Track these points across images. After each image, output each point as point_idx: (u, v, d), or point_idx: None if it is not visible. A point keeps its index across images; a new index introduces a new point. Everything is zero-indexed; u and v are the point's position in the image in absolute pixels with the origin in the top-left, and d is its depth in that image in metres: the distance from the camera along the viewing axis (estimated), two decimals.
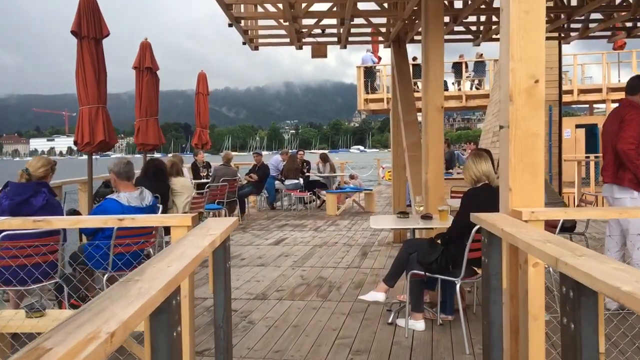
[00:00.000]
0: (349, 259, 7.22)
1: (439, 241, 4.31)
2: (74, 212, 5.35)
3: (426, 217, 4.73)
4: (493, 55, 20.54)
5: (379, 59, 22.00)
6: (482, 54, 21.32)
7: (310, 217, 11.62)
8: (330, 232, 9.44)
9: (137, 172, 6.73)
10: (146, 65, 8.30)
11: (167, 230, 7.02)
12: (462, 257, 3.98)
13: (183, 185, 7.32)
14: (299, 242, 8.55)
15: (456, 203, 6.39)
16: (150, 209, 4.57)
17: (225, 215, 9.76)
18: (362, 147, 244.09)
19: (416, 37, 8.35)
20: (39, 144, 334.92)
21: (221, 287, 3.00)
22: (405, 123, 7.24)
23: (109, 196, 4.54)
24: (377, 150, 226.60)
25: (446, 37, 8.47)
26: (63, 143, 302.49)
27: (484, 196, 4.03)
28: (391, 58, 8.35)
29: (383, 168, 23.40)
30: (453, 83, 21.08)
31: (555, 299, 4.27)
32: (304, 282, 6.05)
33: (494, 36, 8.24)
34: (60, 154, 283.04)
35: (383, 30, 8.26)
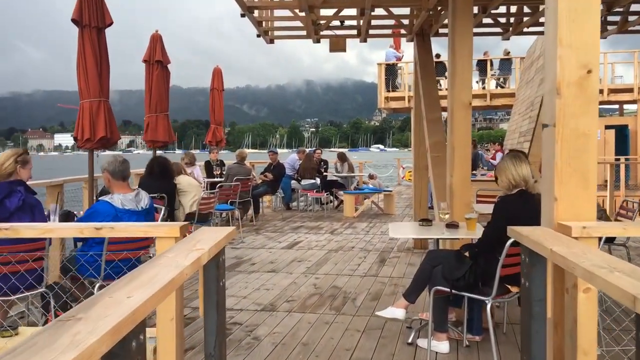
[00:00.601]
0: (365, 265, 6.76)
1: (466, 254, 3.83)
2: (68, 214, 4.98)
3: (451, 225, 4.25)
4: (520, 53, 19.88)
5: (400, 58, 21.45)
6: (509, 52, 20.64)
7: (327, 218, 11.18)
8: (346, 236, 8.98)
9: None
10: (156, 59, 7.92)
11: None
12: (493, 273, 3.50)
13: (189, 184, 6.94)
14: (314, 246, 8.11)
15: (483, 209, 5.90)
16: (147, 213, 4.16)
17: (239, 217, 9.36)
18: (382, 146, 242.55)
19: (442, 31, 7.85)
20: (63, 139, 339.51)
21: (212, 308, 2.58)
22: (429, 121, 6.76)
23: (101, 198, 4.15)
24: (398, 149, 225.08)
25: (474, 30, 7.96)
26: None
27: (522, 205, 3.55)
28: (414, 52, 7.86)
29: (403, 168, 22.87)
30: (477, 81, 20.43)
31: (608, 329, 3.78)
32: (317, 291, 5.61)
33: (525, 29, 7.70)
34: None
35: (406, 22, 7.78)
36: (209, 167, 11.00)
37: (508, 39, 8.33)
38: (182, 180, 6.98)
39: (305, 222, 10.60)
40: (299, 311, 4.95)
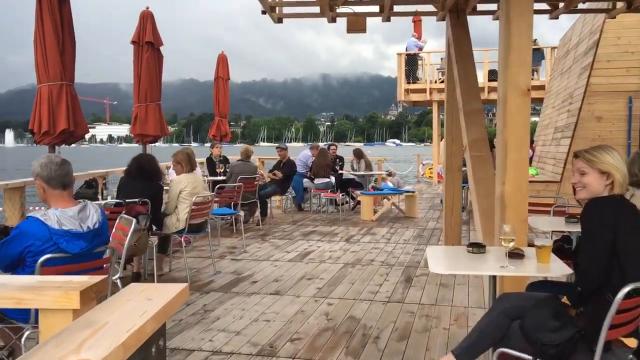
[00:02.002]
0: (388, 286, 5.62)
1: (565, 300, 2.67)
2: (3, 230, 3.94)
3: (515, 255, 3.09)
4: (550, 42, 18.54)
5: (421, 48, 20.21)
6: (535, 40, 19.27)
7: (342, 222, 10.05)
8: (365, 245, 7.85)
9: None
10: (146, 40, 6.84)
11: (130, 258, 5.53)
12: (600, 325, 2.34)
13: (195, 193, 5.84)
14: (327, 257, 6.99)
15: (537, 223, 4.73)
16: (96, 235, 3.05)
17: (243, 221, 8.27)
18: (398, 141, 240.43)
19: (481, 7, 6.67)
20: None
21: None
22: (466, 113, 5.59)
23: (33, 213, 3.04)
24: (414, 144, 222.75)
25: None
26: (104, 131, 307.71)
27: (632, 215, 2.43)
28: (447, 32, 6.67)
29: (423, 164, 21.63)
30: None
31: None
32: (329, 325, 4.49)
33: (580, 5, 6.48)
34: (101, 141, 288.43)
35: None
36: (211, 164, 9.93)
37: (557, 18, 7.12)
38: (189, 182, 5.86)
39: (318, 227, 9.48)
40: (305, 357, 3.84)
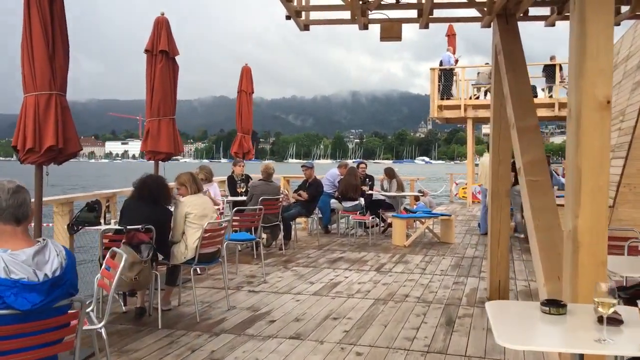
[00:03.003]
0: (427, 331, 4.83)
1: None
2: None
3: (611, 320, 2.31)
4: None
5: (456, 61, 19.44)
6: None
7: (372, 247, 9.27)
8: (397, 276, 7.06)
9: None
10: (160, 48, 6.26)
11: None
12: None
13: (203, 216, 5.18)
14: (355, 291, 6.23)
15: (615, 265, 3.91)
16: (54, 286, 2.34)
17: (263, 246, 7.60)
18: (427, 159, 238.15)
19: (533, 12, 5.92)
20: (114, 146, 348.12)
21: None
22: (520, 130, 4.80)
23: None
24: (443, 162, 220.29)
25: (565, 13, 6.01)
26: (136, 146, 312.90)
27: None
28: (494, 39, 5.92)
29: (456, 184, 20.73)
30: (543, 89, 18.16)
31: None
32: None
33: None
34: (133, 157, 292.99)
35: None
36: (232, 183, 9.28)
37: (618, 24, 6.31)
38: (196, 205, 5.22)
39: (346, 252, 8.72)
40: None
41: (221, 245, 5.43)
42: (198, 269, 6.02)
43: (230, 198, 9.02)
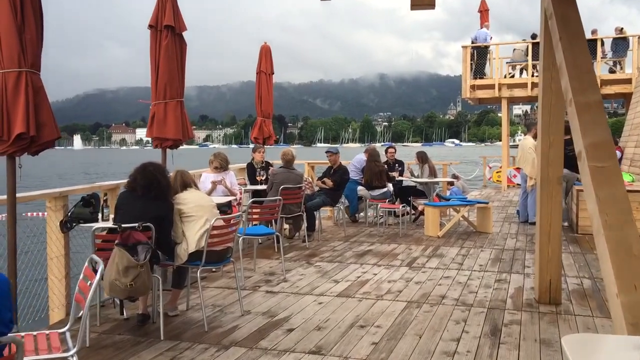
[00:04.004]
0: (469, 343, 4.15)
1: None
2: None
3: None
4: (638, 31, 16.35)
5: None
6: (622, 29, 17.11)
7: (403, 238, 8.58)
8: (431, 272, 6.37)
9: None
10: (165, 23, 5.63)
11: None
12: None
13: (198, 205, 4.59)
14: (385, 291, 5.57)
15: None
16: None
17: (282, 239, 6.96)
18: (457, 141, 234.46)
19: None
20: (144, 133, 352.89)
21: None
22: (580, 107, 4.03)
23: None
24: (474, 144, 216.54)
25: None
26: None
27: None
28: (542, 3, 5.13)
29: (490, 167, 19.78)
30: None
31: None
32: None
33: None
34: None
35: None
36: (251, 171, 8.67)
37: None
38: (186, 199, 4.65)
39: (375, 245, 8.05)
40: None
41: (232, 243, 4.80)
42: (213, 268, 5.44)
43: (249, 187, 8.42)
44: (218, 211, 4.90)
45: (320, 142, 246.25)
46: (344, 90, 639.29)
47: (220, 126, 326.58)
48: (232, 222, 4.80)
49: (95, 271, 2.86)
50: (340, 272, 6.37)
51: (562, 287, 5.34)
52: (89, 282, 2.86)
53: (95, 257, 2.92)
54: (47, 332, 2.87)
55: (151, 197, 4.30)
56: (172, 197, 4.56)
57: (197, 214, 4.59)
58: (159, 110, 5.71)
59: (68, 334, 2.88)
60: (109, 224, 4.33)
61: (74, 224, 4.59)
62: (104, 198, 4.78)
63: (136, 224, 4.05)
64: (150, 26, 5.70)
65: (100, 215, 4.75)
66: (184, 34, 5.85)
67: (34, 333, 2.85)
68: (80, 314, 2.71)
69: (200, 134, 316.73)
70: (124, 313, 4.66)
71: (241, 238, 5.99)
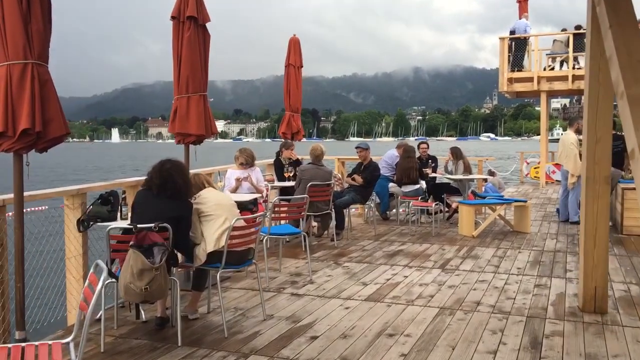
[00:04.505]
0: (507, 357, 3.82)
1: None
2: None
3: None
4: None
5: None
6: None
7: (436, 238, 8.24)
8: (466, 275, 6.04)
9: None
10: (188, 14, 5.43)
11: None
12: None
13: (218, 204, 4.38)
14: (416, 296, 5.27)
15: None
16: None
17: (315, 234, 6.73)
18: (492, 135, 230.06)
19: None
20: None
21: None
22: (633, 100, 3.64)
23: None
24: (510, 138, 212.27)
25: None
26: (216, 126, 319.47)
27: None
28: None
29: (527, 163, 19.16)
30: None
31: None
32: None
33: None
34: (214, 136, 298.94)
35: None
36: (278, 167, 8.45)
37: None
38: (206, 198, 4.45)
39: (406, 244, 7.74)
40: None
41: (254, 244, 4.58)
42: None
43: (276, 183, 8.21)
44: (238, 211, 4.67)
45: (354, 136, 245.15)
46: (378, 83, 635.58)
47: (254, 120, 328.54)
48: (254, 221, 4.57)
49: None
50: (369, 274, 6.09)
51: (608, 294, 4.95)
52: (93, 289, 2.67)
53: (100, 262, 2.72)
54: (50, 342, 2.69)
55: (167, 196, 4.10)
56: (192, 196, 4.37)
57: (216, 212, 4.38)
58: (181, 105, 5.52)
59: (72, 345, 2.69)
60: (126, 224, 4.15)
61: (92, 223, 4.44)
62: (123, 196, 4.61)
63: (152, 225, 3.85)
64: (173, 17, 5.50)
65: (119, 214, 4.59)
66: (208, 25, 5.64)
67: (36, 343, 2.68)
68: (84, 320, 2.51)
69: (234, 128, 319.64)
70: (141, 317, 4.49)
71: (266, 237, 5.77)
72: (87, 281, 2.75)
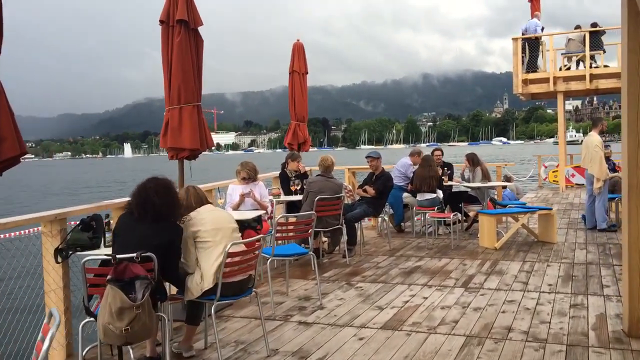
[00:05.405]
0: None
1: None
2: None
3: None
4: None
5: (542, 29, 17.19)
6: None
7: (455, 251, 7.68)
8: (492, 295, 5.46)
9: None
10: (178, 18, 4.96)
11: None
12: None
13: (217, 228, 3.88)
14: (438, 321, 4.71)
15: None
16: None
17: (325, 250, 6.21)
18: (505, 139, 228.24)
19: None
20: None
21: None
22: None
23: None
24: (522, 142, 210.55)
25: None
26: (213, 139, 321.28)
27: None
28: None
29: (545, 167, 18.50)
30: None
31: None
32: None
33: None
34: (210, 149, 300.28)
35: None
36: (284, 180, 7.94)
37: None
38: (203, 219, 3.93)
39: (424, 260, 7.18)
40: None
41: (253, 271, 4.05)
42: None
43: (282, 198, 7.70)
44: (240, 234, 4.16)
45: (365, 144, 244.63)
46: (387, 91, 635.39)
47: (264, 131, 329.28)
48: (255, 244, 4.05)
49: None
50: (385, 296, 5.54)
51: None
52: (42, 337, 2.16)
53: (54, 311, 2.22)
54: None
55: (150, 220, 3.59)
56: (183, 218, 3.86)
57: (215, 239, 3.86)
58: (173, 117, 5.04)
59: None
60: (97, 255, 3.65)
61: (70, 252, 3.95)
62: (106, 220, 4.12)
63: (134, 255, 3.35)
64: (161, 22, 5.03)
65: (102, 241, 4.10)
66: (200, 29, 5.17)
67: None
68: None
69: (245, 139, 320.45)
70: (130, 357, 3.97)
71: (269, 260, 5.25)
72: (40, 333, 2.24)
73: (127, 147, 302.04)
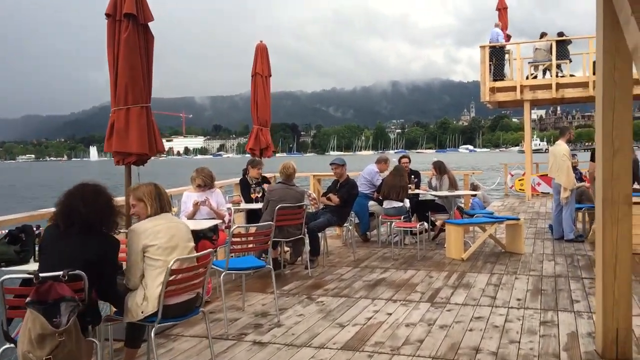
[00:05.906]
0: None
1: None
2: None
3: None
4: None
5: (508, 37, 17.26)
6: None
7: (422, 262, 7.42)
8: (459, 311, 5.20)
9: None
10: (125, 11, 4.57)
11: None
12: None
13: (171, 246, 3.50)
14: (402, 341, 4.41)
15: None
16: None
17: (287, 261, 5.86)
18: (471, 147, 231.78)
19: None
20: (166, 144, 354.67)
21: None
22: None
23: None
24: (488, 149, 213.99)
25: None
26: (180, 143, 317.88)
27: None
28: None
29: (512, 175, 18.53)
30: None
31: None
32: None
33: None
34: (178, 153, 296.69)
35: None
36: (245, 188, 7.57)
37: None
38: (159, 232, 3.54)
39: (389, 271, 6.90)
40: None
41: (200, 289, 3.68)
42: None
43: (243, 206, 7.32)
44: (194, 250, 3.77)
45: (333, 150, 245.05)
46: (357, 97, 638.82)
47: (234, 135, 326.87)
48: (202, 261, 3.68)
49: None
50: (347, 312, 5.22)
51: (632, 336, 4.15)
52: None
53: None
54: None
55: (77, 232, 3.18)
56: (117, 228, 3.45)
57: (167, 258, 3.45)
58: (119, 119, 4.63)
59: None
60: (19, 274, 3.23)
61: None
62: (37, 231, 3.70)
63: (60, 273, 2.95)
64: (107, 15, 4.63)
65: (33, 255, 3.67)
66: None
67: None
68: None
69: (214, 144, 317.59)
70: None
71: (223, 274, 4.88)
72: None
73: (93, 150, 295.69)
